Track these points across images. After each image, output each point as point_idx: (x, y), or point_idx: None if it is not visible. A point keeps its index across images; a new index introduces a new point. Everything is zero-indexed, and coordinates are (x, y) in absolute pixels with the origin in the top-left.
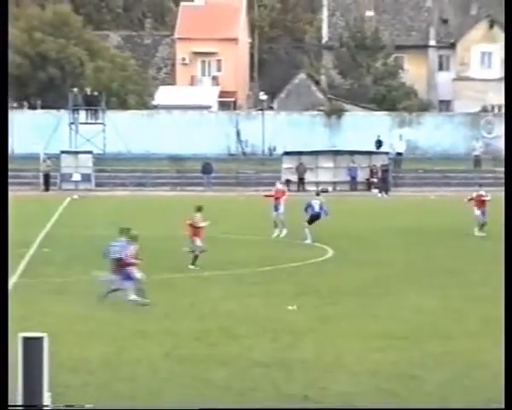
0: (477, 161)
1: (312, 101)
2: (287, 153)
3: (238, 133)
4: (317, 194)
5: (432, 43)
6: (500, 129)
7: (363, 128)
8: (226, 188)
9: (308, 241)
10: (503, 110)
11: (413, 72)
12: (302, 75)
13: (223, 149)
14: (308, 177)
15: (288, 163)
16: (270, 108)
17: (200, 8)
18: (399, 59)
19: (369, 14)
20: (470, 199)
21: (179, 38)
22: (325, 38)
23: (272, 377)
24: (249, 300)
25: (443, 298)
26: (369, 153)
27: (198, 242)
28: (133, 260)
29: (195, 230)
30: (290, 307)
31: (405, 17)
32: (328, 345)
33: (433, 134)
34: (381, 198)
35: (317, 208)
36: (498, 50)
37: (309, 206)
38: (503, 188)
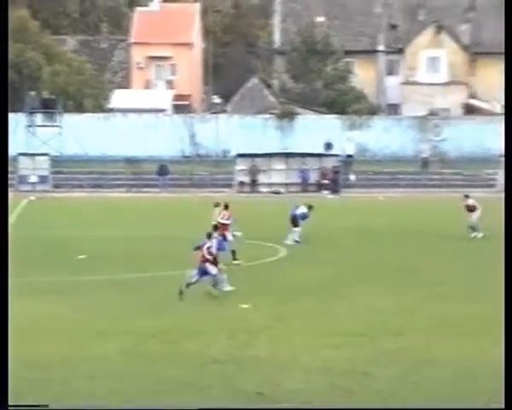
0: (425, 164)
1: (265, 104)
2: (240, 155)
3: (192, 136)
4: (310, 207)
5: (381, 48)
6: (447, 132)
7: (314, 131)
8: (181, 189)
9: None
10: (449, 114)
11: (362, 76)
12: (255, 79)
13: (177, 152)
14: (261, 178)
15: (242, 165)
16: (224, 111)
17: (155, 14)
18: (349, 64)
19: (320, 19)
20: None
21: (135, 43)
22: (277, 43)
23: (228, 374)
24: (205, 299)
25: (395, 296)
26: (320, 155)
27: (230, 237)
28: (209, 257)
29: (224, 227)
30: (245, 306)
31: (355, 23)
32: (283, 343)
33: (382, 137)
34: (332, 199)
35: (297, 212)
36: (445, 55)
37: (294, 211)
38: (450, 189)
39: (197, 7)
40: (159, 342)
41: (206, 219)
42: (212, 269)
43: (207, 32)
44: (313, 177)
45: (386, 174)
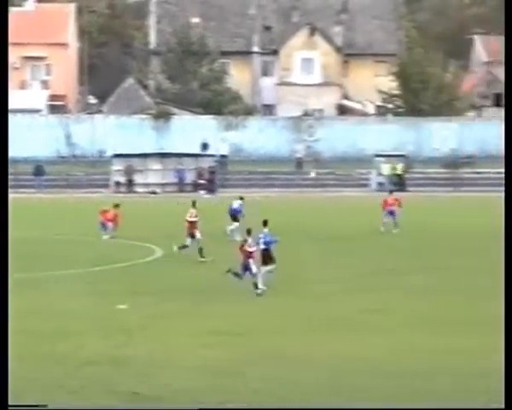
0: (299, 164)
1: (141, 105)
2: (116, 155)
3: (68, 136)
4: (241, 198)
5: (255, 49)
6: (320, 132)
7: (190, 131)
8: (57, 190)
9: (237, 237)
10: (323, 114)
11: (238, 77)
12: (131, 80)
13: (53, 152)
14: (137, 179)
15: (118, 165)
16: (100, 111)
17: (30, 14)
18: (225, 64)
19: (196, 20)
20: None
21: (10, 43)
22: (153, 44)
23: (104, 374)
24: (82, 299)
25: (270, 296)
26: (196, 155)
27: (198, 235)
28: (251, 251)
29: (192, 225)
30: (121, 306)
31: (230, 24)
32: (159, 342)
33: (257, 137)
34: (208, 199)
35: (235, 206)
36: (319, 57)
37: (230, 207)
38: (323, 189)
39: (72, 7)
40: (34, 342)
41: (80, 219)
42: (254, 267)
43: (83, 33)
44: (190, 177)
45: (261, 174)
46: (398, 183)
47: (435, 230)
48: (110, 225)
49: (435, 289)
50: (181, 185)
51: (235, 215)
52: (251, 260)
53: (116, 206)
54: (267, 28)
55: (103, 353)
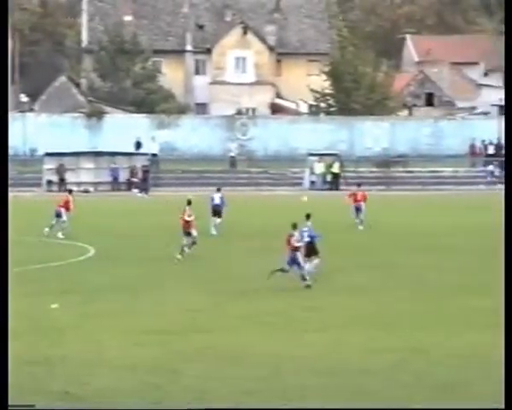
0: (232, 162)
1: (73, 103)
2: (48, 154)
3: None
4: (218, 189)
5: (188, 48)
6: (254, 131)
7: (123, 130)
8: None
9: (213, 232)
10: (256, 113)
11: (171, 75)
12: (63, 78)
13: None
14: (70, 177)
15: (50, 164)
16: (32, 110)
17: None
18: (157, 63)
19: (128, 18)
20: (350, 195)
21: None
22: (85, 42)
23: (35, 374)
24: (14, 299)
25: (204, 293)
26: (130, 154)
27: (194, 232)
28: (297, 245)
29: (188, 223)
30: (53, 306)
31: (163, 22)
32: (91, 341)
33: (190, 136)
34: (142, 198)
35: (217, 201)
36: (252, 56)
37: (211, 200)
38: (257, 187)
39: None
40: None
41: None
42: (301, 260)
43: (14, 31)
44: (123, 176)
45: (194, 173)
46: (332, 182)
47: (374, 228)
48: (62, 210)
49: (374, 287)
50: (115, 184)
51: (218, 210)
52: (298, 254)
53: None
54: (200, 27)
55: (36, 352)
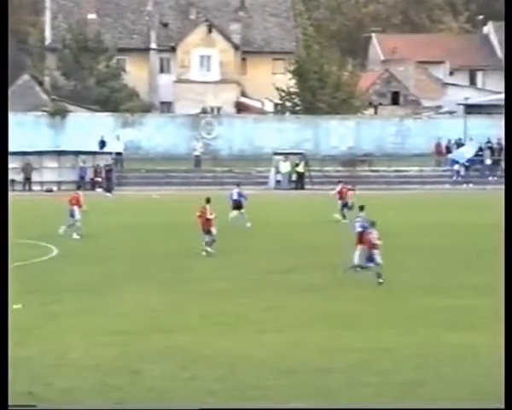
0: (197, 161)
1: (36, 101)
2: (11, 153)
3: None
4: (237, 184)
5: (153, 46)
6: (218, 130)
7: (87, 129)
8: None
9: (244, 222)
10: (221, 112)
11: (135, 74)
12: (26, 76)
13: None
14: (33, 177)
15: (13, 163)
16: None
17: None
18: (122, 61)
19: (92, 16)
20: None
21: None
22: (48, 40)
23: None
24: None
25: (166, 294)
26: (93, 153)
27: (214, 231)
28: (378, 243)
29: (209, 221)
30: (15, 306)
31: (127, 20)
32: (53, 342)
33: (154, 135)
34: (106, 197)
35: (235, 196)
36: (217, 54)
37: (230, 195)
38: (222, 187)
39: None
40: None
41: None
42: (379, 258)
43: None
44: (87, 175)
45: (159, 172)
46: (298, 181)
47: (335, 227)
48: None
49: (331, 287)
50: (82, 183)
51: (238, 204)
52: (376, 251)
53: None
54: (164, 25)
55: None
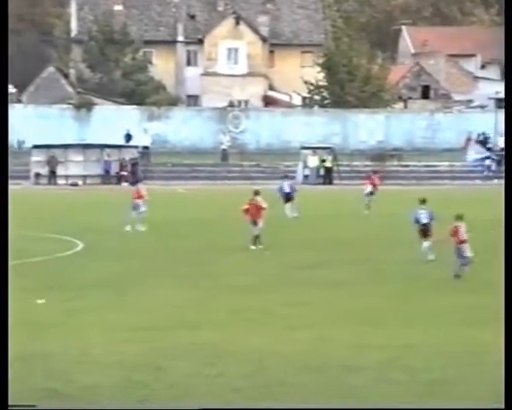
0: (224, 155)
1: (62, 94)
2: (36, 146)
3: None
4: (286, 176)
5: (180, 38)
6: (246, 124)
7: (113, 122)
8: None
9: (295, 214)
10: (248, 105)
11: (161, 66)
12: (51, 68)
13: None
14: (58, 170)
15: (38, 156)
16: (19, 101)
17: None
18: (148, 54)
19: (118, 8)
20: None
21: None
22: (74, 32)
23: (18, 371)
24: None
25: (191, 289)
26: (119, 146)
27: (261, 223)
28: (465, 238)
29: (259, 211)
30: (39, 301)
31: (153, 12)
32: (76, 338)
33: (181, 128)
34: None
35: (286, 189)
36: (244, 47)
37: (280, 188)
38: (249, 181)
39: None
40: None
41: None
42: (468, 252)
43: None
44: (112, 168)
45: (185, 166)
46: (326, 176)
47: (364, 222)
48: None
49: (358, 282)
50: (106, 177)
51: (289, 197)
52: (465, 245)
53: (257, 193)
54: (192, 17)
55: (19, 348)
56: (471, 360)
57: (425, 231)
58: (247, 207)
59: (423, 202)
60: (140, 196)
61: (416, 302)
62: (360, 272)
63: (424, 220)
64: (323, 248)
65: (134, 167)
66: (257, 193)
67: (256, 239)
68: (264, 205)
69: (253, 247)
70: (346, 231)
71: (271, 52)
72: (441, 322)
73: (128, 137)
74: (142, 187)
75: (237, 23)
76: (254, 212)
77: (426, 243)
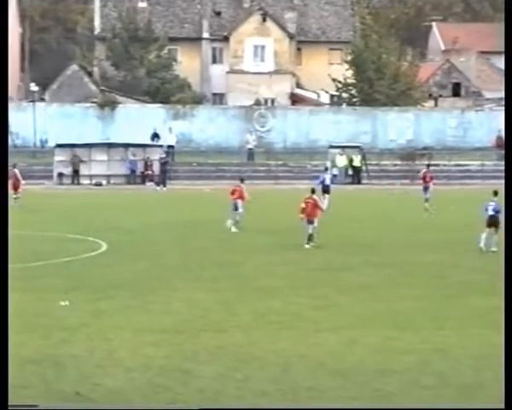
0: (250, 155)
1: (85, 92)
2: (59, 145)
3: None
4: (326, 169)
5: (205, 35)
6: (272, 122)
7: (137, 120)
8: None
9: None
10: (275, 103)
11: (186, 64)
12: (74, 66)
13: None
14: (82, 170)
15: (61, 156)
16: (42, 99)
17: None
18: (173, 51)
19: (142, 5)
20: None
21: None
22: (98, 29)
23: (44, 373)
24: (20, 295)
25: (215, 291)
26: (144, 146)
27: (316, 222)
28: None
29: (315, 210)
30: (62, 303)
31: (178, 9)
32: (101, 340)
33: (206, 127)
34: (156, 191)
35: (327, 181)
36: (271, 44)
37: (323, 180)
38: (276, 181)
39: None
40: None
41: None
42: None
43: (24, 17)
44: (138, 168)
45: (211, 166)
46: (354, 175)
47: (390, 223)
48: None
49: (384, 285)
50: (131, 177)
51: (328, 188)
52: None
53: (313, 191)
54: (217, 13)
55: (44, 351)
56: (500, 363)
57: (489, 222)
58: (303, 205)
59: (495, 194)
60: (240, 197)
61: (443, 305)
62: (386, 275)
63: (490, 212)
64: (350, 251)
65: (163, 166)
66: (313, 191)
67: (311, 237)
68: (324, 206)
69: (307, 245)
70: (373, 233)
71: (299, 49)
72: (469, 325)
73: (155, 136)
74: (243, 187)
75: (264, 20)
76: (310, 210)
77: (484, 234)
